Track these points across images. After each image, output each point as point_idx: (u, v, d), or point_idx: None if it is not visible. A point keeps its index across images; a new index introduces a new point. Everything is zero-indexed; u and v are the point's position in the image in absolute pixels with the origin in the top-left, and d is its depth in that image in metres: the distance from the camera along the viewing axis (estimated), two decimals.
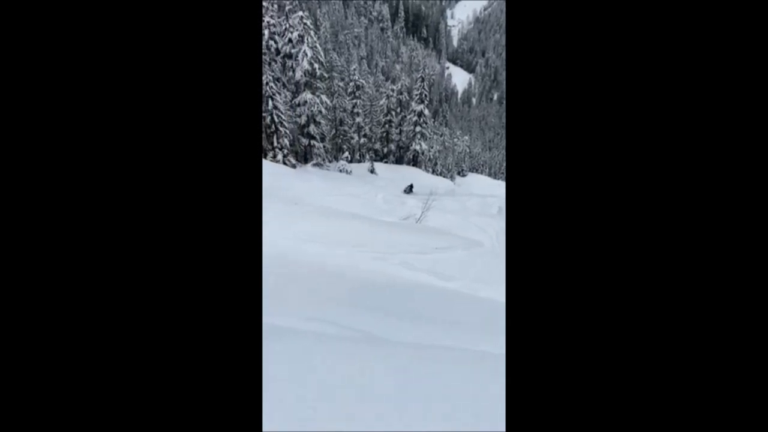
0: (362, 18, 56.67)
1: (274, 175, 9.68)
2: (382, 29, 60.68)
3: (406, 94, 24.35)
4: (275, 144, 14.80)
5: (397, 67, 40.50)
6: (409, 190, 14.51)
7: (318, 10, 39.06)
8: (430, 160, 25.09)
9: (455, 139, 34.24)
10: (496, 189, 20.79)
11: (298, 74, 15.41)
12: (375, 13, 62.25)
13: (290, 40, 15.47)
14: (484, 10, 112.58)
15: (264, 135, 14.98)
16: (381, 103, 22.96)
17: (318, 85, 16.31)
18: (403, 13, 67.40)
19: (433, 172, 24.29)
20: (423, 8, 75.65)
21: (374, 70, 35.79)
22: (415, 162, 22.82)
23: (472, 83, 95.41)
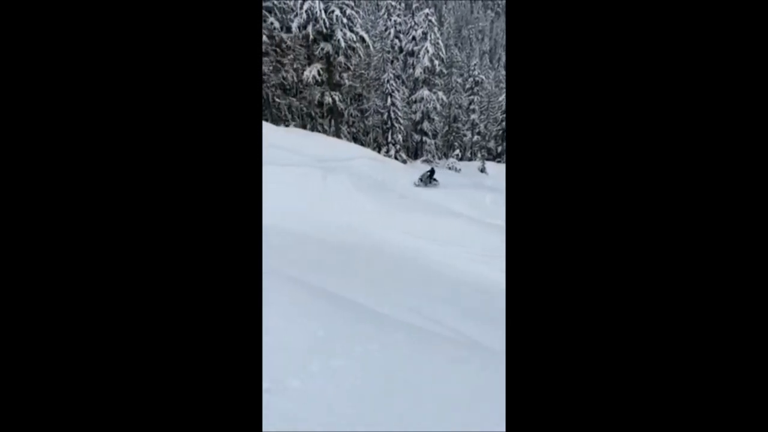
0: (488, 11, 54.43)
1: (387, 170, 10.15)
2: None
3: None
4: (389, 139, 15.46)
5: None
6: (428, 179, 9.94)
7: (444, 6, 38.95)
8: None
9: None
10: None
11: (418, 71, 15.71)
12: (503, 6, 59.17)
13: (414, 38, 15.85)
14: None
15: (380, 130, 15.77)
16: (500, 99, 21.83)
17: (436, 81, 16.38)
18: None
19: None
20: None
21: (496, 65, 34.17)
22: None
23: None
